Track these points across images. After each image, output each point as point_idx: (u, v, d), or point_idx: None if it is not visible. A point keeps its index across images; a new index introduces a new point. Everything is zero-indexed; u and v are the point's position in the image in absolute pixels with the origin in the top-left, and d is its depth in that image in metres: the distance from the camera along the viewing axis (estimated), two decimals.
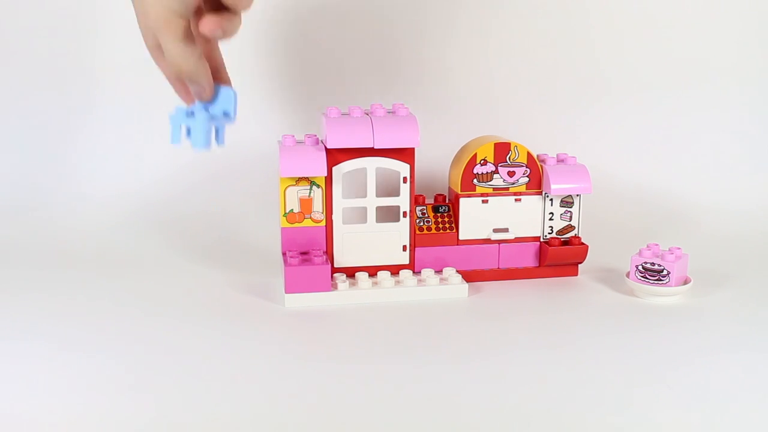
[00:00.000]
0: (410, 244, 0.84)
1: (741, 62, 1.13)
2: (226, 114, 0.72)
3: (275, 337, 0.70)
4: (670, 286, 0.79)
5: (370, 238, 0.83)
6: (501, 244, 0.85)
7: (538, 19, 1.08)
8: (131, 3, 0.70)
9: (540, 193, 0.85)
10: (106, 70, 1.04)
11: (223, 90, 0.73)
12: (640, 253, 0.80)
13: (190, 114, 0.71)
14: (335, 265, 0.83)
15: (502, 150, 0.84)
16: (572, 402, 0.58)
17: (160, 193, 1.04)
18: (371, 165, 0.81)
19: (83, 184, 1.04)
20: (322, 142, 0.82)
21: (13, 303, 0.77)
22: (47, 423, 0.54)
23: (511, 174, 0.84)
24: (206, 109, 0.72)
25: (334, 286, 0.79)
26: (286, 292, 0.77)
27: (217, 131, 0.72)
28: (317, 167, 0.78)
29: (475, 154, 0.83)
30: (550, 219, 0.86)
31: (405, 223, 0.83)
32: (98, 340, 0.69)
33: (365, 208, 0.82)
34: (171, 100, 1.04)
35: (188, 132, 0.71)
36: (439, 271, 0.84)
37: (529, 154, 0.84)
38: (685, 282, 0.80)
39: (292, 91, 1.05)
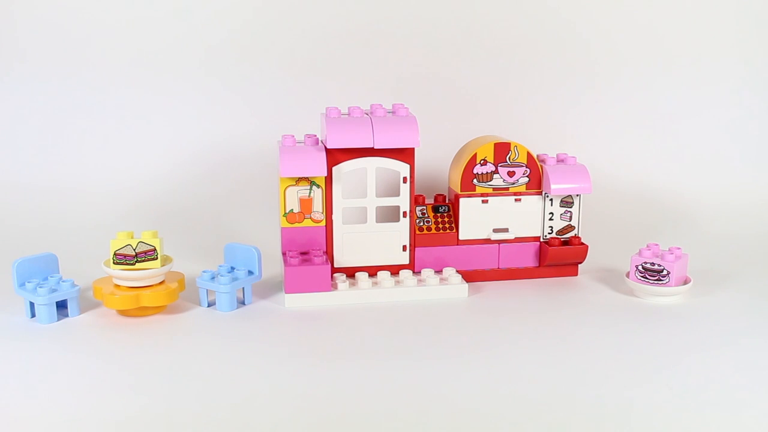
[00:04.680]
0: (410, 244, 0.84)
1: (741, 62, 1.13)
2: (251, 273, 0.78)
3: (275, 337, 0.70)
4: (670, 286, 0.79)
5: (370, 238, 0.83)
6: (501, 244, 0.86)
7: (537, 18, 1.08)
8: None
9: (540, 193, 0.85)
10: (104, 67, 1.04)
11: (247, 249, 0.78)
12: (640, 253, 0.80)
13: (215, 278, 0.76)
14: (335, 265, 0.83)
15: (502, 150, 0.84)
16: (572, 401, 0.58)
17: (158, 193, 1.04)
18: (371, 165, 0.81)
19: (79, 183, 1.04)
20: (322, 142, 0.82)
21: (13, 301, 0.77)
22: (48, 423, 0.55)
23: (511, 174, 0.84)
24: (230, 272, 0.77)
25: (334, 286, 0.79)
26: (286, 292, 0.77)
27: (244, 291, 0.78)
28: (317, 167, 0.78)
29: (475, 154, 0.83)
30: (550, 219, 0.86)
31: (405, 223, 0.83)
32: (96, 339, 0.69)
33: (365, 208, 0.82)
34: (170, 98, 1.04)
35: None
36: (439, 271, 0.84)
37: (529, 154, 0.84)
38: (685, 282, 0.80)
39: (292, 91, 1.05)
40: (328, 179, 0.81)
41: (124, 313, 0.74)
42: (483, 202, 0.85)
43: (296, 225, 0.81)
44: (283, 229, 0.81)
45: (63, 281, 0.74)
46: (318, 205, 0.81)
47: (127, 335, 0.70)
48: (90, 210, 1.02)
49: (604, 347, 0.67)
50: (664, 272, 0.79)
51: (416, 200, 0.85)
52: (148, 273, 0.73)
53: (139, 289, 0.73)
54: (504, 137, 0.87)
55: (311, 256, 0.79)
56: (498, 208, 0.85)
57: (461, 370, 0.63)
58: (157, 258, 0.74)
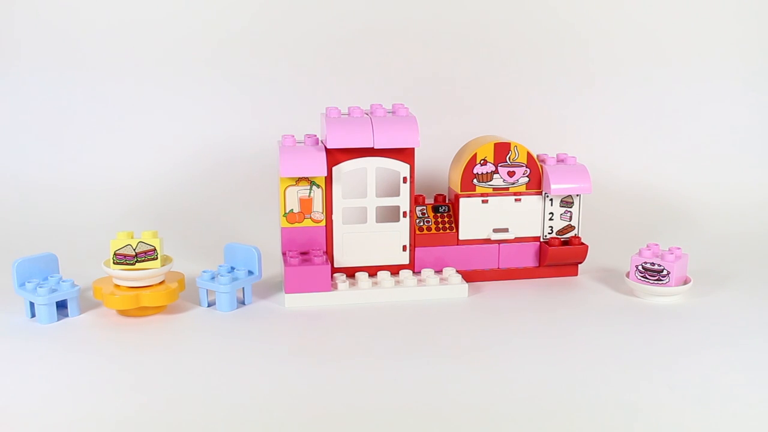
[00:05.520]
0: (410, 244, 0.84)
1: (741, 61, 1.13)
2: (251, 273, 0.78)
3: (275, 337, 0.70)
4: (670, 286, 0.79)
5: (370, 238, 0.83)
6: (501, 244, 0.86)
7: (538, 18, 1.08)
8: None
9: (540, 193, 0.85)
10: (104, 67, 1.04)
11: (247, 249, 0.78)
12: (640, 253, 0.80)
13: (215, 278, 0.76)
14: (335, 265, 0.83)
15: (502, 150, 0.84)
16: (572, 401, 0.58)
17: (158, 192, 1.04)
18: (371, 165, 0.81)
19: (79, 183, 1.04)
20: (322, 142, 0.82)
21: (13, 301, 0.77)
22: (48, 422, 0.55)
23: (511, 174, 0.84)
24: (230, 272, 0.77)
25: (334, 286, 0.79)
26: (286, 292, 0.77)
27: (244, 291, 0.78)
28: (317, 167, 0.78)
29: (475, 154, 0.83)
30: (550, 219, 0.86)
31: (405, 223, 0.83)
32: (96, 339, 0.69)
33: (365, 208, 0.82)
34: (170, 98, 1.04)
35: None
36: (439, 271, 0.84)
37: (529, 154, 0.84)
38: (685, 282, 0.80)
39: (292, 91, 1.05)
40: (328, 179, 0.81)
41: (124, 313, 0.74)
42: (483, 202, 0.85)
43: (296, 225, 0.81)
44: (283, 229, 0.81)
45: (63, 281, 0.74)
46: (318, 205, 0.81)
47: (127, 335, 0.70)
48: (90, 210, 1.02)
49: (604, 347, 0.67)
50: (664, 272, 0.79)
51: (416, 200, 0.85)
52: (148, 273, 0.73)
53: (139, 289, 0.73)
54: (504, 137, 0.87)
55: (311, 256, 0.79)
56: (498, 208, 0.85)
57: (461, 370, 0.63)
58: (157, 258, 0.74)
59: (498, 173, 0.84)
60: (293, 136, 0.81)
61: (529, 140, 0.90)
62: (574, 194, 0.85)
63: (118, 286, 0.74)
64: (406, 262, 0.84)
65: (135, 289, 0.73)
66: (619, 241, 0.98)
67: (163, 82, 1.05)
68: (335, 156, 0.80)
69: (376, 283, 0.80)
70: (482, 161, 0.84)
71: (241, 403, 0.57)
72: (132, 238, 0.74)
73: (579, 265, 0.87)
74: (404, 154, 0.81)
